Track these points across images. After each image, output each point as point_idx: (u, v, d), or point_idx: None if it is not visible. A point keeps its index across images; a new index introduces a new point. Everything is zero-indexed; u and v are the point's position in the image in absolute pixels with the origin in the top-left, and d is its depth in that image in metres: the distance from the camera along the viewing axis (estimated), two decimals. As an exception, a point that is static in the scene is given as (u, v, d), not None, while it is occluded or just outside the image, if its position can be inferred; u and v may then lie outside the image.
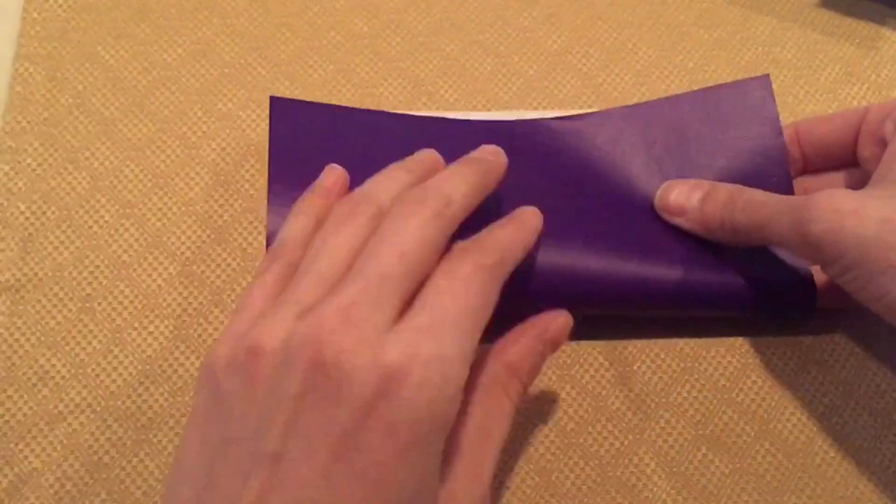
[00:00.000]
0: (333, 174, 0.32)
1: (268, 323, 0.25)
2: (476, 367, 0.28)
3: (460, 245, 0.27)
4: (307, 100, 0.37)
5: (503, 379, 0.28)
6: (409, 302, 0.25)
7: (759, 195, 0.32)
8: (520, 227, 0.30)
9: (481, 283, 0.26)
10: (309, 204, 0.30)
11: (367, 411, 0.23)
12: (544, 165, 0.36)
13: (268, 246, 0.32)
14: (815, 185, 0.36)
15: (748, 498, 0.33)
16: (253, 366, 0.24)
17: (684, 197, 0.34)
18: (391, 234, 0.26)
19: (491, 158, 0.31)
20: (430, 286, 0.25)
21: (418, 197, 0.27)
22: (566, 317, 0.30)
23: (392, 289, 0.25)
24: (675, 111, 0.37)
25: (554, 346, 0.30)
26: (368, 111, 0.37)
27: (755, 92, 0.37)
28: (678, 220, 0.34)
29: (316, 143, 0.35)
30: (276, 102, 0.35)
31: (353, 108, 0.36)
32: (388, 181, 0.29)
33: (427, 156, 0.32)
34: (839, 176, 0.36)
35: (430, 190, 0.27)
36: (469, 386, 0.27)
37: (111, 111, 0.38)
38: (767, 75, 0.37)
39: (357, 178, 0.31)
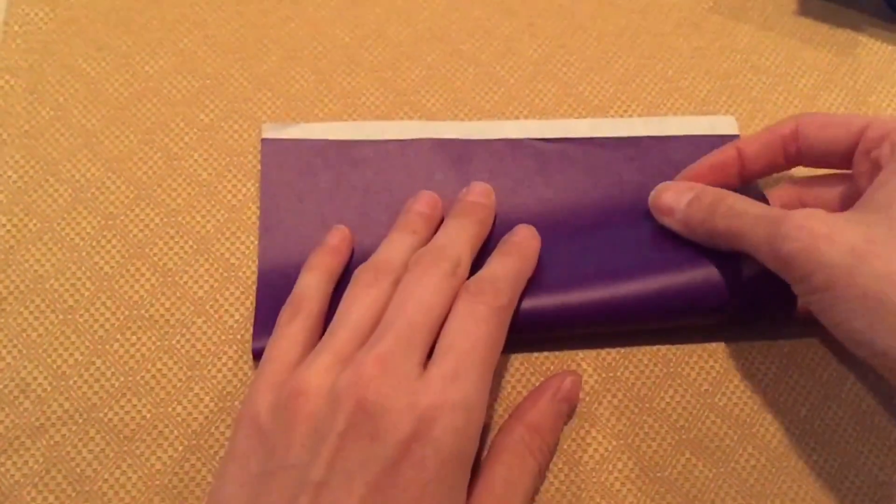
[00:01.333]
0: (339, 234, 0.35)
1: (310, 369, 0.28)
2: (501, 431, 0.32)
3: (473, 287, 0.30)
4: (294, 123, 0.39)
5: (525, 438, 0.31)
6: (431, 346, 0.29)
7: (740, 203, 0.32)
8: (523, 258, 0.33)
9: (495, 324, 0.29)
10: (320, 261, 0.34)
11: (402, 449, 0.26)
12: (528, 184, 0.38)
13: (258, 291, 0.35)
14: (807, 196, 0.36)
15: (731, 502, 0.33)
16: (296, 406, 0.27)
17: (674, 199, 0.35)
18: (412, 291, 0.29)
19: (484, 202, 0.35)
20: (450, 330, 0.29)
21: (433, 259, 0.31)
22: (575, 375, 0.34)
23: (419, 338, 0.28)
24: (651, 151, 0.39)
25: (568, 402, 0.33)
26: (355, 143, 0.38)
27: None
28: (666, 221, 0.35)
29: (305, 181, 0.37)
30: (266, 144, 0.38)
31: (339, 141, 0.38)
32: (400, 245, 0.33)
33: (425, 206, 0.35)
34: (832, 191, 0.35)
35: (441, 251, 0.31)
36: (495, 447, 0.31)
37: (92, 123, 0.38)
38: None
39: (349, 208, 0.37)
